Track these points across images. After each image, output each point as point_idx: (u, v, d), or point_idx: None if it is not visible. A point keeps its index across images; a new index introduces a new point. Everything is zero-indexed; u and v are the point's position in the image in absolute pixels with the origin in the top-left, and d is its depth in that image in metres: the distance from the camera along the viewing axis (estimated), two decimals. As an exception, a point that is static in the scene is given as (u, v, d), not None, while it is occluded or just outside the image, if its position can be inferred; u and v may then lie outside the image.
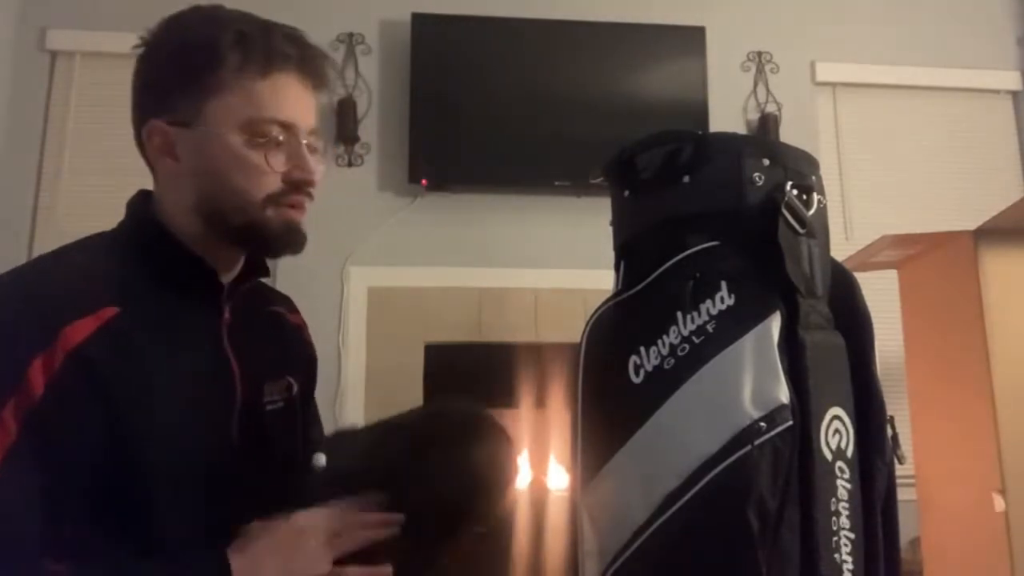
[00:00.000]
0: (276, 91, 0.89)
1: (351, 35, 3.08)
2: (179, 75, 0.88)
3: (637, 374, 0.79)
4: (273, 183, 0.89)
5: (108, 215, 3.01)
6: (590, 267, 2.46)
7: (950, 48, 3.37)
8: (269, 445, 0.96)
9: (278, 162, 0.89)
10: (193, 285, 0.92)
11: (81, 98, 2.97)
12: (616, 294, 0.86)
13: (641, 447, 0.78)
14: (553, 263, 2.93)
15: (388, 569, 0.90)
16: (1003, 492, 1.85)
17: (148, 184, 0.99)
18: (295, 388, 1.02)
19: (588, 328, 0.85)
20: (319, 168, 0.92)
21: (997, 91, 3.39)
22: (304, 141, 0.91)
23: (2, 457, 0.73)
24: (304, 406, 1.07)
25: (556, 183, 2.94)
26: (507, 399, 3.01)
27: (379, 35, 3.12)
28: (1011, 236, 1.97)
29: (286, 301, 1.13)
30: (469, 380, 2.94)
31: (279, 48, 0.89)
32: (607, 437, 0.81)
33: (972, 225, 1.99)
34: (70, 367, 0.77)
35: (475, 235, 2.99)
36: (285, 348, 1.06)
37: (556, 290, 2.88)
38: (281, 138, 0.89)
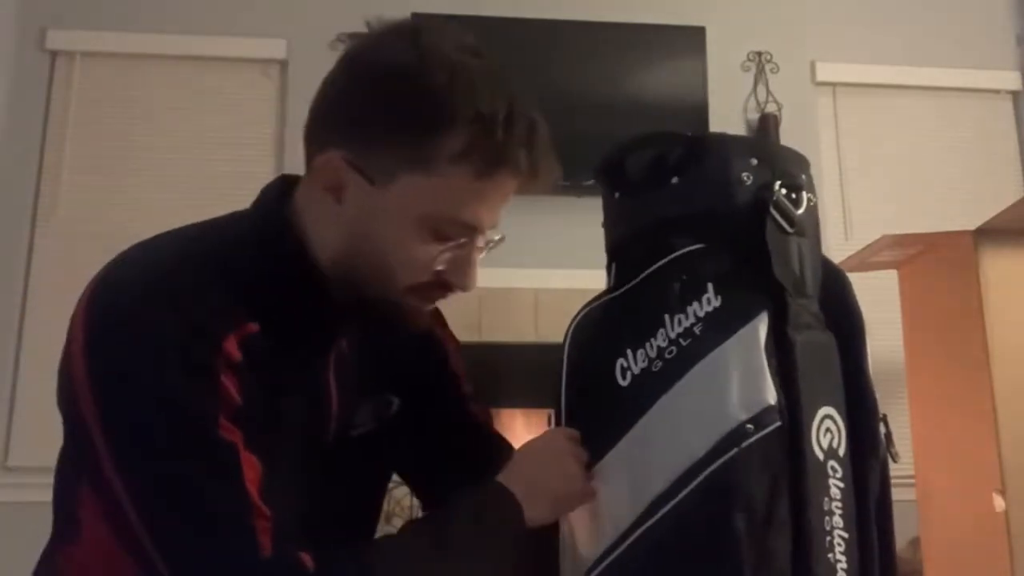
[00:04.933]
0: (485, 197, 0.78)
1: (351, 35, 3.08)
2: (391, 130, 0.76)
3: (624, 377, 0.80)
4: (426, 277, 0.80)
5: (108, 215, 3.03)
6: (590, 267, 2.45)
7: (950, 48, 3.36)
8: (343, 475, 0.90)
9: (442, 261, 0.80)
10: (319, 314, 0.84)
11: (81, 98, 2.96)
12: (600, 295, 0.86)
13: (629, 451, 0.79)
14: (553, 263, 2.93)
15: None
16: (1003, 492, 1.85)
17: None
18: (395, 405, 0.94)
19: (571, 329, 0.85)
20: (477, 277, 0.83)
21: (997, 91, 3.38)
22: (481, 243, 0.82)
23: (245, 450, 0.71)
24: (423, 416, 0.99)
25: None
26: (507, 399, 3.01)
27: (379, 35, 3.12)
28: (1011, 236, 1.97)
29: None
30: (469, 380, 2.94)
31: (512, 152, 0.76)
32: (593, 441, 0.82)
33: (972, 225, 1.99)
34: (237, 378, 0.73)
35: (475, 235, 2.98)
36: (392, 363, 0.95)
37: (556, 290, 2.88)
38: (461, 241, 0.80)
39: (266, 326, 0.77)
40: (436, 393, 1.02)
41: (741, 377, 0.75)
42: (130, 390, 0.72)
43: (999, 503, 1.86)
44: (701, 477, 0.73)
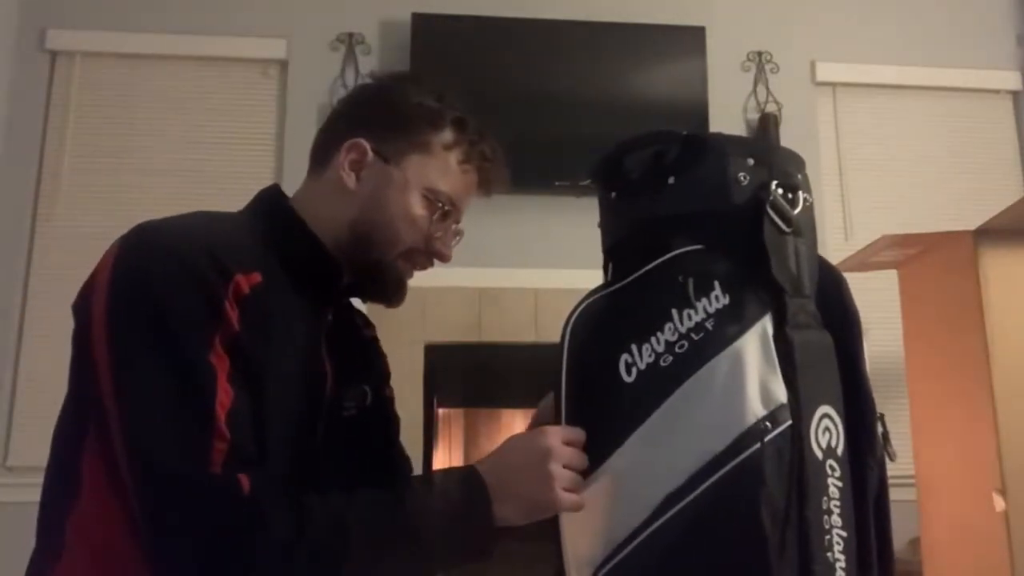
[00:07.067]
0: (464, 180, 1.04)
1: (351, 35, 3.08)
2: (403, 121, 1.02)
3: (629, 373, 0.79)
4: (419, 241, 1.02)
5: (108, 215, 3.03)
6: (590, 267, 2.45)
7: (950, 48, 3.36)
8: (347, 451, 1.02)
9: (433, 228, 1.02)
10: (314, 280, 0.99)
11: (81, 98, 2.97)
12: (599, 288, 0.85)
13: (639, 447, 0.77)
14: (553, 263, 2.93)
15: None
16: (1003, 492, 1.85)
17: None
18: (369, 397, 1.08)
19: (571, 323, 0.84)
20: (451, 252, 1.07)
21: (997, 91, 3.38)
22: (458, 224, 1.07)
23: (225, 379, 0.81)
24: (380, 413, 1.13)
25: (556, 183, 2.94)
26: (507, 399, 3.01)
27: (379, 35, 3.12)
28: (1011, 236, 1.96)
29: (361, 315, 1.19)
30: (469, 380, 2.94)
31: (485, 152, 1.05)
32: (598, 440, 0.80)
33: (972, 225, 1.98)
34: (240, 311, 0.84)
35: (475, 235, 2.98)
36: (363, 359, 1.12)
37: (556, 290, 2.88)
38: (446, 212, 1.03)
39: (271, 279, 0.89)
40: (381, 398, 1.14)
41: (759, 373, 0.74)
42: (139, 303, 0.82)
43: (999, 503, 1.85)
44: (720, 473, 0.73)
